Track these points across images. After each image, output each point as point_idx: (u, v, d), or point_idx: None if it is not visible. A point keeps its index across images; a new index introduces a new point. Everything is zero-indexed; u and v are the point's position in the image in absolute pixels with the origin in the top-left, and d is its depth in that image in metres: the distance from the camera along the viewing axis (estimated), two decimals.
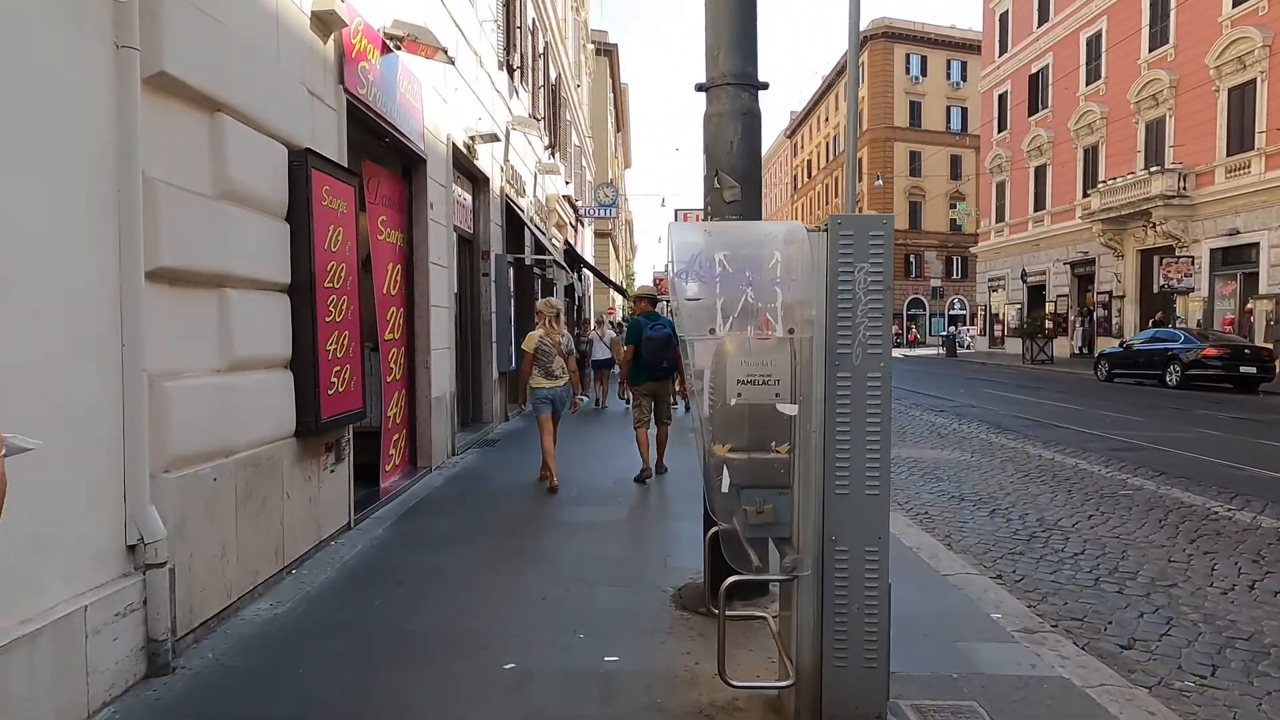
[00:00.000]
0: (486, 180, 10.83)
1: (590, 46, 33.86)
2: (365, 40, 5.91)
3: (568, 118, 21.81)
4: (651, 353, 7.50)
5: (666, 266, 3.12)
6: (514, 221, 13.13)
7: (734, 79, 3.98)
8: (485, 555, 5.11)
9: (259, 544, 4.20)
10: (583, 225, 26.80)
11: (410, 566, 4.84)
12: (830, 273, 2.79)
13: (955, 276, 56.89)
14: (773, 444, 2.89)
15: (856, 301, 2.79)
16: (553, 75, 18.16)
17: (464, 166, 9.86)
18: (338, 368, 5.03)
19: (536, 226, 15.11)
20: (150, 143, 3.30)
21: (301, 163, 4.59)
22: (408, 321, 7.56)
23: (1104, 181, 28.68)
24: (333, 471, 5.23)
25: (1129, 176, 27.24)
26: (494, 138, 9.77)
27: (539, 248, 13.97)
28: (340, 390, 5.07)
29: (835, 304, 2.78)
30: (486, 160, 10.66)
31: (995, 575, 4.88)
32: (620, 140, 57.46)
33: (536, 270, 14.32)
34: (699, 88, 4.14)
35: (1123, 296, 28.93)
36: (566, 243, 20.71)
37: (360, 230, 5.46)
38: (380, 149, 6.97)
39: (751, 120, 4.03)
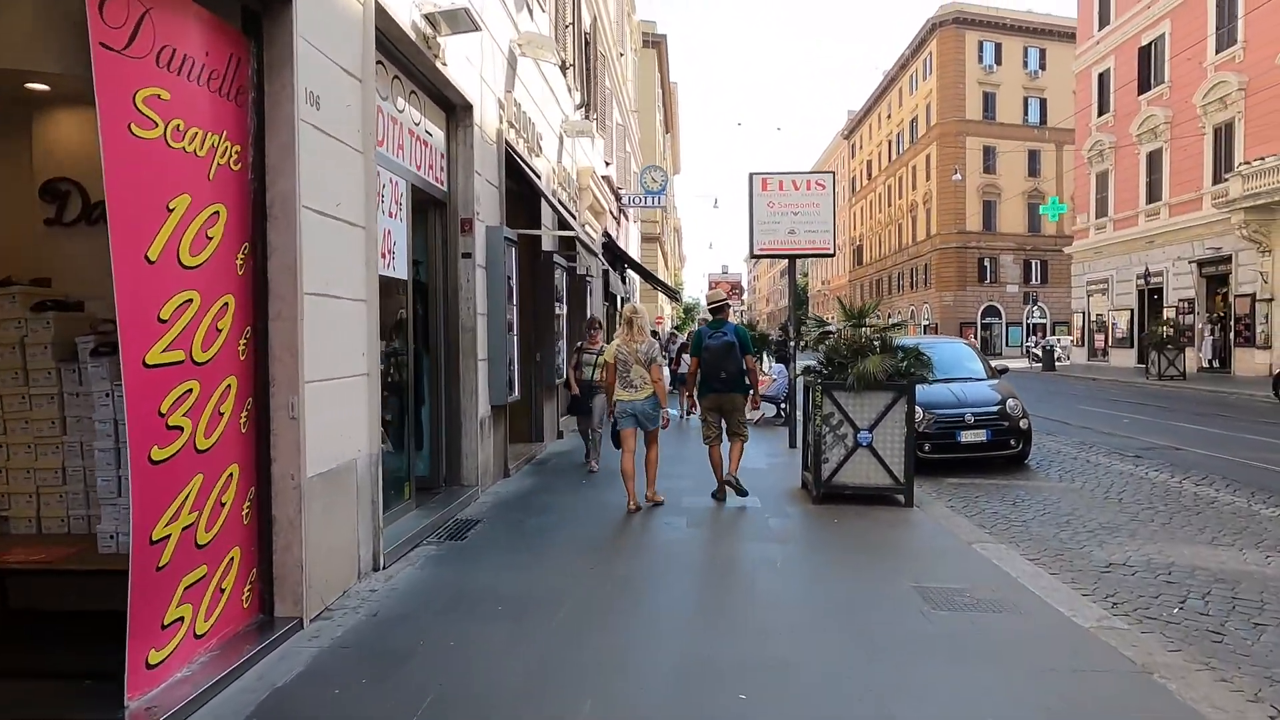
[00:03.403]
0: (469, 110, 6.99)
1: (636, 19, 30.16)
2: None
3: (608, 84, 18.01)
4: (708, 363, 6.97)
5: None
6: (525, 190, 9.30)
7: None
8: None
9: None
10: (626, 218, 22.94)
11: None
12: None
13: (1035, 281, 51.69)
14: None
15: None
16: (586, 19, 14.37)
17: (418, 70, 6.03)
18: None
19: (560, 202, 11.27)
20: None
21: None
22: (248, 324, 3.71)
23: (1246, 163, 23.84)
24: None
25: None
26: (470, 22, 5.90)
27: (562, 227, 10.14)
28: None
29: None
30: (468, 75, 6.83)
31: None
32: (670, 142, 53.77)
33: (561, 260, 10.49)
34: None
35: (1270, 299, 23.95)
36: (606, 234, 16.86)
37: None
38: None
39: None
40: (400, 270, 5.76)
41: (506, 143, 8.21)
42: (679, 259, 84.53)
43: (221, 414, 3.49)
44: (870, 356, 6.81)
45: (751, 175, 10.12)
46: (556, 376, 10.24)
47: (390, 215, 5.55)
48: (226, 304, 3.53)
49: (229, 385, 3.54)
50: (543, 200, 9.19)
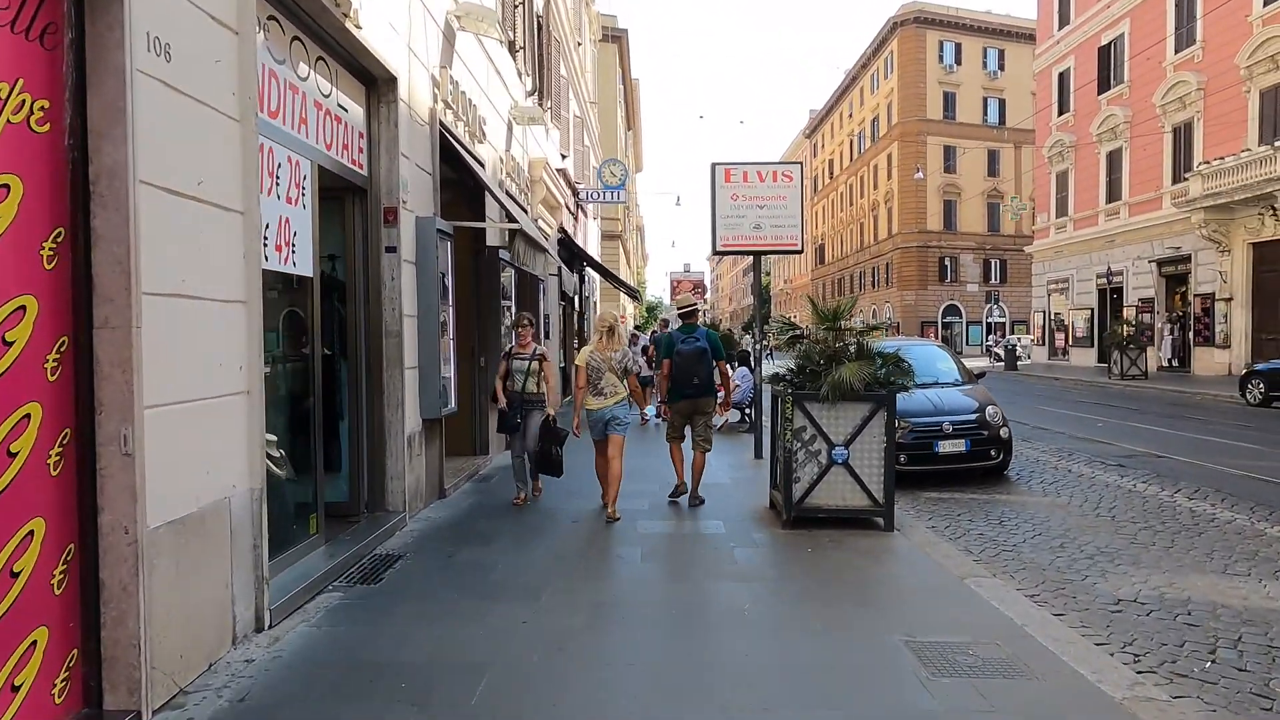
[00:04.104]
0: (393, 83, 6.13)
1: (595, 9, 29.30)
2: None
3: (563, 73, 17.16)
4: (679, 368, 6.96)
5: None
6: (469, 180, 8.44)
7: None
8: None
9: None
10: (584, 215, 22.10)
11: None
12: None
13: (994, 281, 51.96)
14: None
15: None
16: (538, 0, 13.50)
17: (325, 31, 5.15)
18: None
19: (509, 194, 10.42)
20: None
21: None
22: (63, 334, 2.85)
23: (1205, 163, 23.81)
24: None
25: (1243, 154, 22.40)
26: None
27: (509, 220, 9.30)
28: None
29: None
30: (391, 44, 5.97)
31: None
32: (632, 140, 52.95)
33: (508, 257, 9.65)
34: None
35: (1229, 299, 23.96)
36: (562, 230, 16.02)
37: None
38: None
39: None
40: (304, 265, 4.90)
41: (442, 125, 7.35)
42: (642, 257, 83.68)
43: (13, 454, 2.63)
44: (846, 364, 6.10)
45: (714, 166, 9.39)
46: None
47: (289, 201, 4.69)
48: (23, 308, 2.67)
49: (27, 415, 2.68)
50: (486, 190, 8.34)
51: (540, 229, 13.01)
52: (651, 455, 9.38)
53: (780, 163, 9.40)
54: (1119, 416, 14.29)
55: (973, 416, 8.60)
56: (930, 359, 10.01)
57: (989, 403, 8.87)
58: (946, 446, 8.37)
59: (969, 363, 11.99)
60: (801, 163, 9.76)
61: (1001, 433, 8.59)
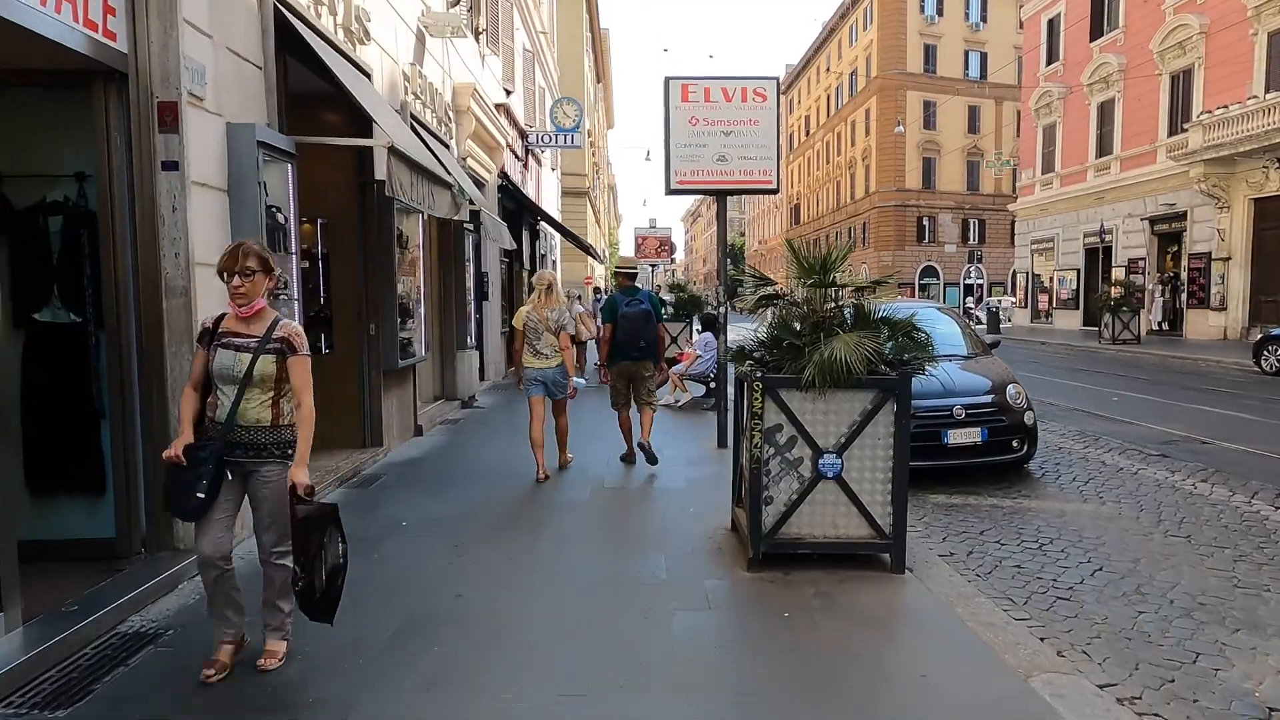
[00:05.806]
0: None
1: None
2: None
3: None
4: (626, 331, 6.82)
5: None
6: (339, 94, 6.35)
7: None
8: None
9: None
10: (538, 163, 19.90)
11: None
12: None
13: (973, 241, 50.36)
14: None
15: None
16: None
17: None
18: None
19: (416, 120, 8.35)
20: None
21: None
22: None
23: (1207, 112, 22.14)
24: None
25: (1249, 102, 20.75)
26: None
27: (414, 152, 7.24)
28: None
29: None
30: None
31: None
32: (601, 93, 50.25)
33: (409, 200, 7.57)
34: None
35: (1227, 259, 22.50)
36: (502, 174, 13.91)
37: None
38: None
39: None
40: None
41: (281, 2, 5.29)
42: (615, 218, 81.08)
43: None
44: (839, 335, 4.25)
45: (668, 80, 7.40)
46: (402, 356, 7.48)
47: None
48: None
49: None
50: (351, 96, 6.26)
51: (469, 169, 10.95)
52: (586, 451, 7.56)
53: (751, 77, 7.43)
54: (1130, 388, 12.66)
55: (989, 398, 6.84)
56: (930, 325, 8.16)
57: (1008, 380, 7.12)
58: (958, 437, 6.60)
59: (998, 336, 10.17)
60: (778, 78, 7.78)
61: (1026, 418, 6.85)
